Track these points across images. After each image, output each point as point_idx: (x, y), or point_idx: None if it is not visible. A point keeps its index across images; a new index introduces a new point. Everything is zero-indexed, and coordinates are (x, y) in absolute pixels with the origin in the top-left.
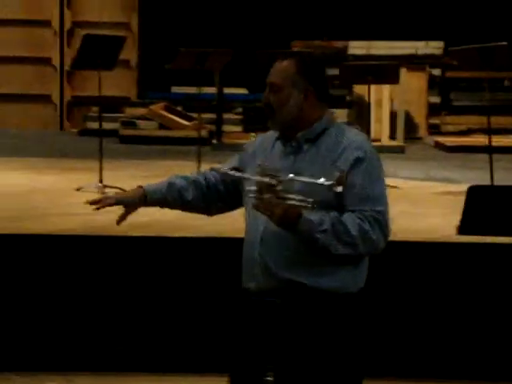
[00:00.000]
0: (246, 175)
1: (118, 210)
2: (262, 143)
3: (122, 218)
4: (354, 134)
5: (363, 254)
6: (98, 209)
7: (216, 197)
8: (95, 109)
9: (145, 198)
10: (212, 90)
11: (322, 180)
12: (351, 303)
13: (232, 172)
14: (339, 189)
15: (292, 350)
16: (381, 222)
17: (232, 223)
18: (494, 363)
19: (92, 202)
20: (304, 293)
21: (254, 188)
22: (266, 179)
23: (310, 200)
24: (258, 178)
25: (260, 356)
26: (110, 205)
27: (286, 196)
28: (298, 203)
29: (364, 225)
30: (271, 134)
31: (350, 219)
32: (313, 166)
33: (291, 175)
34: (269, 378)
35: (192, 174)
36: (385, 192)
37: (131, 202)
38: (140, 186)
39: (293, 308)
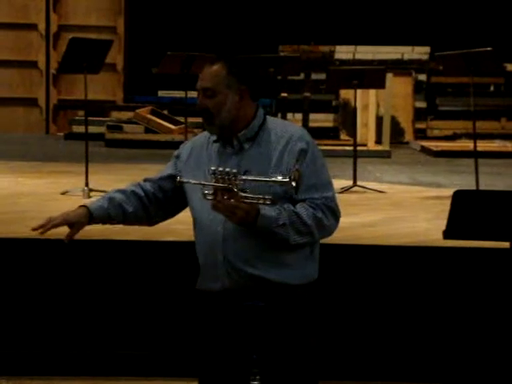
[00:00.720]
0: (202, 182)
1: None
2: (194, 148)
3: (69, 236)
4: (291, 127)
5: (318, 240)
6: (42, 233)
7: (156, 205)
8: (81, 112)
9: (90, 216)
10: None
11: (279, 178)
12: (312, 292)
13: (190, 181)
14: (294, 184)
15: (268, 346)
16: (331, 207)
17: None
18: (480, 367)
19: (36, 228)
20: (268, 288)
21: (210, 192)
22: (222, 183)
23: (269, 197)
24: (214, 183)
25: (233, 356)
26: (56, 226)
27: (243, 196)
28: (257, 201)
29: (317, 213)
30: (201, 138)
31: (303, 209)
32: (258, 164)
33: (244, 176)
34: (254, 382)
35: (128, 187)
36: (330, 177)
37: (77, 221)
38: (82, 206)
39: (263, 305)
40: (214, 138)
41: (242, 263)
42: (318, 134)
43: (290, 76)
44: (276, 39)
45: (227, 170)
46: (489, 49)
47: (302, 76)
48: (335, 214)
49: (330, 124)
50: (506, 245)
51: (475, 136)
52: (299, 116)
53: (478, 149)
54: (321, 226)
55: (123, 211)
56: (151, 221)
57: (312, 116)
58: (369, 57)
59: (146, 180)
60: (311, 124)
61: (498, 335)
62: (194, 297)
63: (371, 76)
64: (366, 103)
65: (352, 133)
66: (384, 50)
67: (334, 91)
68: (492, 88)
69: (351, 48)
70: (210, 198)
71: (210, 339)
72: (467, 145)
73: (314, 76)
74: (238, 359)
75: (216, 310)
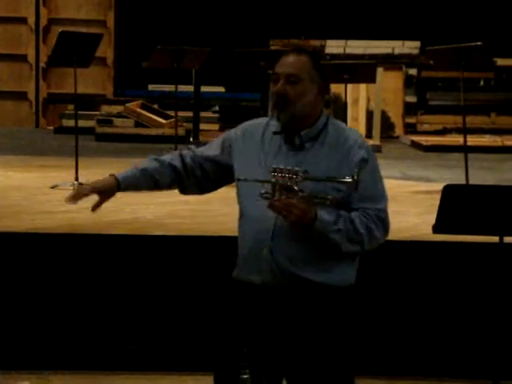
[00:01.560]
0: (261, 179)
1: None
2: (247, 136)
3: (97, 205)
4: (351, 132)
5: (366, 250)
6: (74, 203)
7: (192, 181)
8: (71, 106)
9: (118, 185)
10: (189, 88)
11: (347, 178)
12: (351, 295)
13: (248, 179)
14: (356, 186)
15: (300, 346)
16: (383, 219)
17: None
18: (478, 361)
19: (68, 199)
20: (310, 288)
21: (268, 189)
22: (282, 181)
23: (329, 197)
24: (275, 180)
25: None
26: (86, 195)
27: (303, 195)
28: (317, 201)
29: (370, 223)
30: (254, 127)
31: (357, 218)
32: (317, 166)
33: (305, 175)
34: (244, 376)
35: (167, 157)
36: (385, 189)
37: (105, 190)
38: (112, 175)
39: (299, 304)
40: (274, 129)
41: (287, 262)
42: None
43: None
44: (267, 33)
45: (289, 167)
46: (479, 43)
47: None
48: (385, 227)
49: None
50: (496, 239)
51: (465, 131)
52: None
53: (468, 143)
54: (372, 237)
55: (155, 182)
56: (184, 191)
57: None
58: (359, 51)
59: (188, 151)
60: None
61: (487, 329)
62: (231, 285)
63: (362, 70)
64: (357, 97)
65: None
66: (374, 44)
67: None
68: (482, 83)
69: (342, 42)
70: (267, 196)
71: (243, 329)
72: (457, 139)
73: None
74: (273, 354)
75: (255, 302)
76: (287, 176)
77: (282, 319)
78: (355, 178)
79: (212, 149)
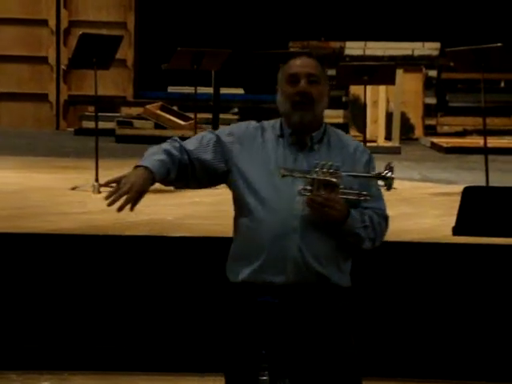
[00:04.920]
0: (309, 175)
1: (112, 209)
2: (245, 139)
3: (135, 203)
4: (348, 136)
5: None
6: (119, 210)
7: (196, 182)
8: (91, 108)
9: (153, 180)
10: (208, 89)
11: (383, 173)
12: (353, 297)
13: (294, 174)
14: (391, 178)
15: (310, 344)
16: (387, 218)
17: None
18: (490, 363)
19: (110, 201)
20: (325, 288)
21: (308, 186)
22: (328, 177)
23: (365, 193)
24: (319, 176)
25: (260, 355)
26: (131, 200)
27: (345, 191)
28: (355, 197)
29: (382, 222)
30: (249, 130)
31: (374, 216)
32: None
33: (344, 172)
34: (264, 378)
35: (175, 154)
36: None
37: (146, 188)
38: (139, 166)
39: (313, 303)
40: (276, 131)
41: (313, 259)
42: None
43: None
44: (286, 35)
45: (330, 163)
46: (499, 44)
47: None
48: (387, 225)
49: (339, 120)
50: None
51: (485, 132)
52: None
53: (489, 145)
54: (382, 235)
55: (174, 177)
56: (186, 186)
57: None
58: (379, 53)
59: (186, 151)
60: None
61: (506, 331)
62: (238, 289)
63: (381, 72)
64: (376, 99)
65: (362, 129)
66: (394, 45)
67: (344, 87)
68: (503, 84)
69: (361, 44)
70: (304, 193)
71: (259, 332)
72: (477, 141)
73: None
74: (289, 354)
75: (269, 303)
76: (328, 172)
77: (297, 319)
78: (387, 173)
79: (206, 152)
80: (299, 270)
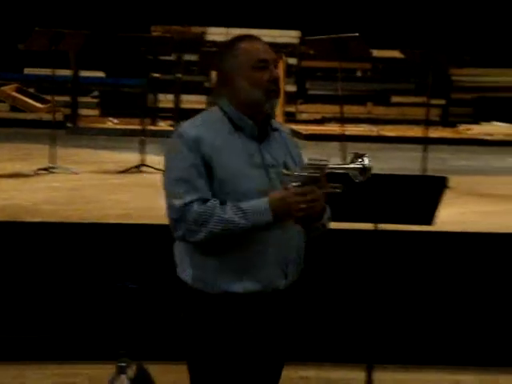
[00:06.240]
0: (307, 173)
1: None
2: (216, 132)
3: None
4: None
5: None
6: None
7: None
8: None
9: None
10: (68, 72)
11: (357, 165)
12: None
13: (295, 173)
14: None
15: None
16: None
17: None
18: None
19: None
20: (295, 283)
21: (297, 184)
22: (313, 174)
23: (339, 185)
24: (308, 173)
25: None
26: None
27: (326, 185)
28: (331, 190)
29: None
30: (216, 123)
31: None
32: (278, 152)
33: (331, 165)
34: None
35: (219, 205)
36: None
37: None
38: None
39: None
40: (230, 126)
41: (300, 258)
42: (190, 115)
43: (161, 56)
44: (148, 19)
45: (320, 158)
46: (356, 34)
47: (173, 57)
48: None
49: (202, 105)
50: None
51: (343, 120)
52: (171, 97)
53: (346, 133)
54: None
55: None
56: None
57: (184, 97)
58: None
59: (208, 199)
60: (183, 105)
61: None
62: (238, 300)
63: None
64: None
65: None
66: (255, 32)
67: (206, 73)
68: (359, 73)
69: (223, 30)
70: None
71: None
72: (335, 128)
73: (186, 57)
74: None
75: (282, 308)
76: (317, 167)
77: (279, 320)
78: (361, 162)
79: (200, 177)
80: (297, 270)
